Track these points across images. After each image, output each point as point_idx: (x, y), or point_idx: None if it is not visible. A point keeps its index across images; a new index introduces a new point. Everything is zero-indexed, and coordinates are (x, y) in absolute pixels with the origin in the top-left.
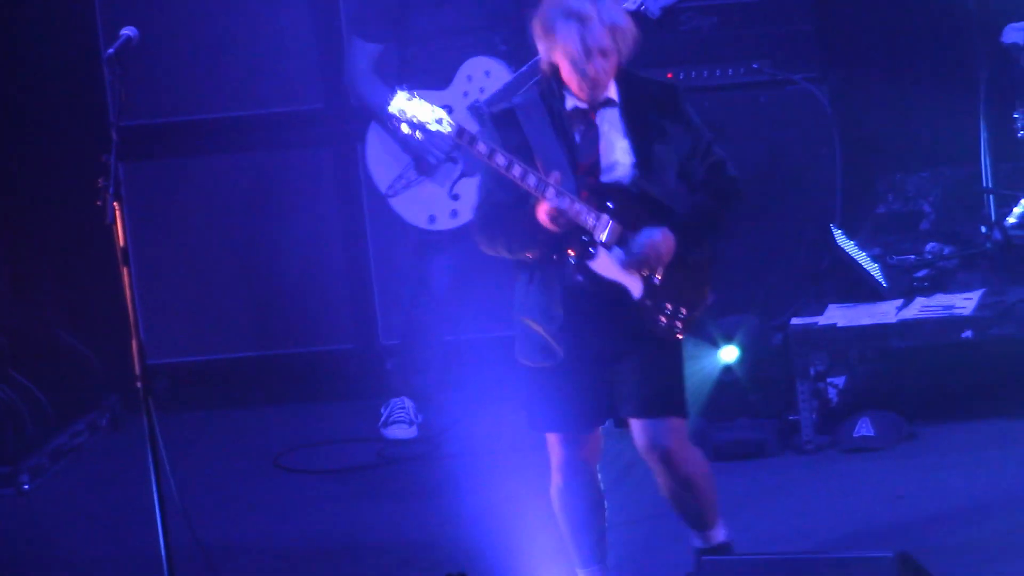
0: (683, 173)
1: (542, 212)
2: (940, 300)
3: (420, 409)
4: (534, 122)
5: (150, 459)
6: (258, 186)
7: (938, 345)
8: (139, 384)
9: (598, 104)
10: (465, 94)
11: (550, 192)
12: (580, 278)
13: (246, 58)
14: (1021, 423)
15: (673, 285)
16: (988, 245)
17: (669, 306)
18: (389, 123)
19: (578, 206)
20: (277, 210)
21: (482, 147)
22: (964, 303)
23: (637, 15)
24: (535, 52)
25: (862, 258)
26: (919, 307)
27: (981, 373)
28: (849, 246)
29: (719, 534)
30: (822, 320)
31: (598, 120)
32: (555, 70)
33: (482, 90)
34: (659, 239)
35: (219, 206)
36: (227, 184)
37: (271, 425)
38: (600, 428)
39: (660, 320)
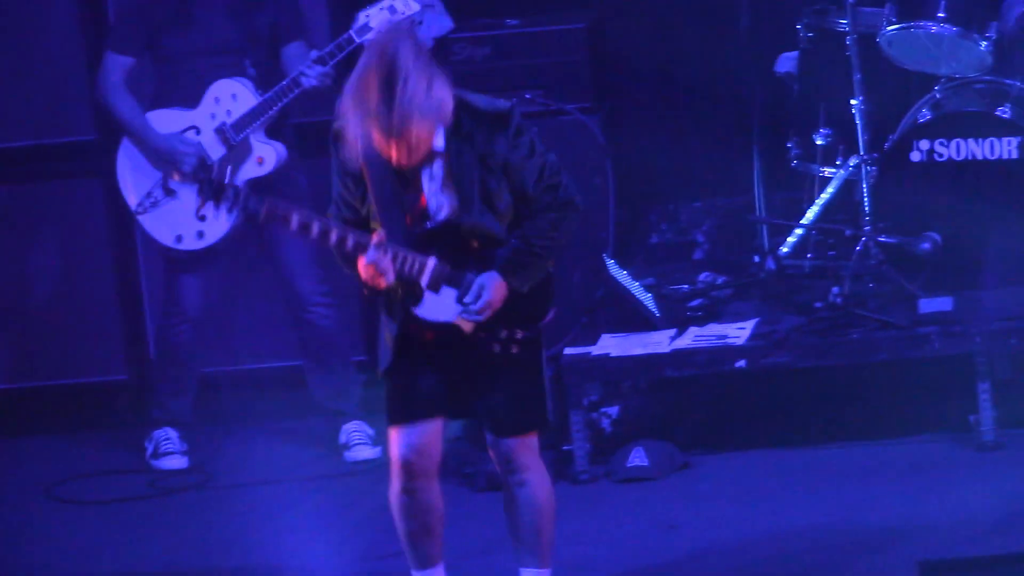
0: (518, 196)
1: (362, 270)
2: (713, 330)
3: (184, 438)
4: (365, 148)
5: None
6: (27, 217)
7: (712, 375)
8: None
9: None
10: (212, 116)
11: (369, 252)
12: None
13: (15, 88)
14: (795, 452)
15: (507, 312)
16: (762, 275)
17: (504, 332)
18: (144, 138)
19: (401, 256)
20: (48, 242)
21: (295, 221)
22: (738, 333)
23: None
24: (281, 77)
25: (635, 288)
26: (692, 337)
27: (755, 402)
28: (622, 276)
29: None
30: (595, 350)
31: (422, 168)
32: None
33: (229, 112)
34: (491, 292)
35: None
36: None
37: (44, 456)
38: (438, 434)
39: (494, 347)
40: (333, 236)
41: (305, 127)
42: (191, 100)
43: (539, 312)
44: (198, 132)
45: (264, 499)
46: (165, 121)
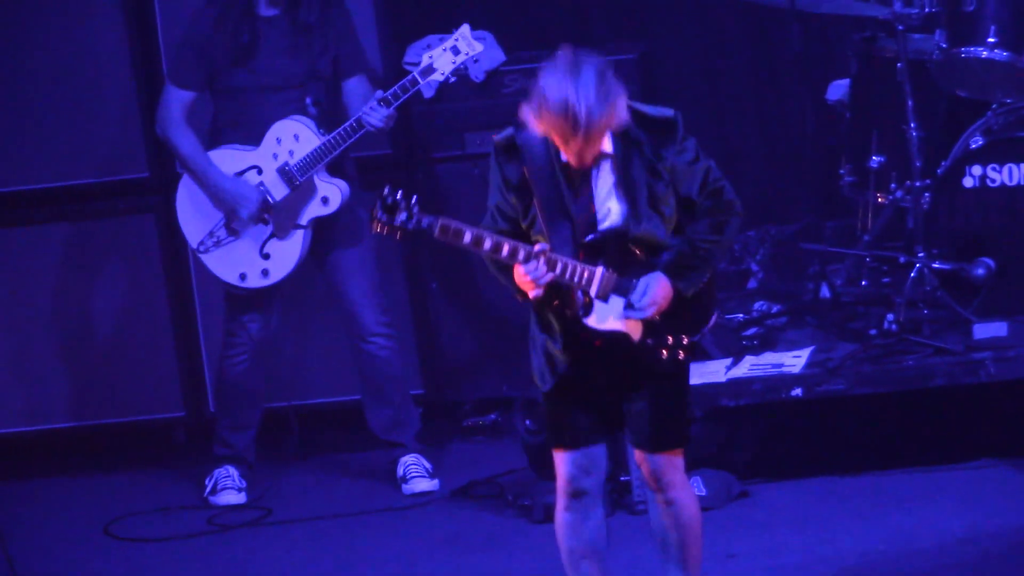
0: (682, 202)
1: (519, 277)
2: (769, 358)
3: (244, 475)
4: (535, 160)
5: None
6: (83, 255)
7: (768, 403)
8: None
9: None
10: (275, 156)
11: (540, 265)
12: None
13: (70, 127)
14: (852, 479)
15: (673, 317)
16: (816, 303)
17: (670, 338)
18: (206, 177)
19: (571, 267)
20: (104, 279)
21: (468, 237)
22: (793, 361)
23: (462, 78)
24: (345, 117)
25: None
26: (748, 366)
27: (811, 430)
28: None
29: None
30: None
31: (592, 172)
32: None
33: (291, 153)
34: (656, 290)
35: (44, 276)
36: (52, 254)
37: (102, 493)
38: (603, 453)
39: (661, 354)
40: (505, 249)
41: (364, 160)
42: (250, 136)
43: (703, 316)
44: (260, 172)
45: (322, 534)
46: (226, 160)
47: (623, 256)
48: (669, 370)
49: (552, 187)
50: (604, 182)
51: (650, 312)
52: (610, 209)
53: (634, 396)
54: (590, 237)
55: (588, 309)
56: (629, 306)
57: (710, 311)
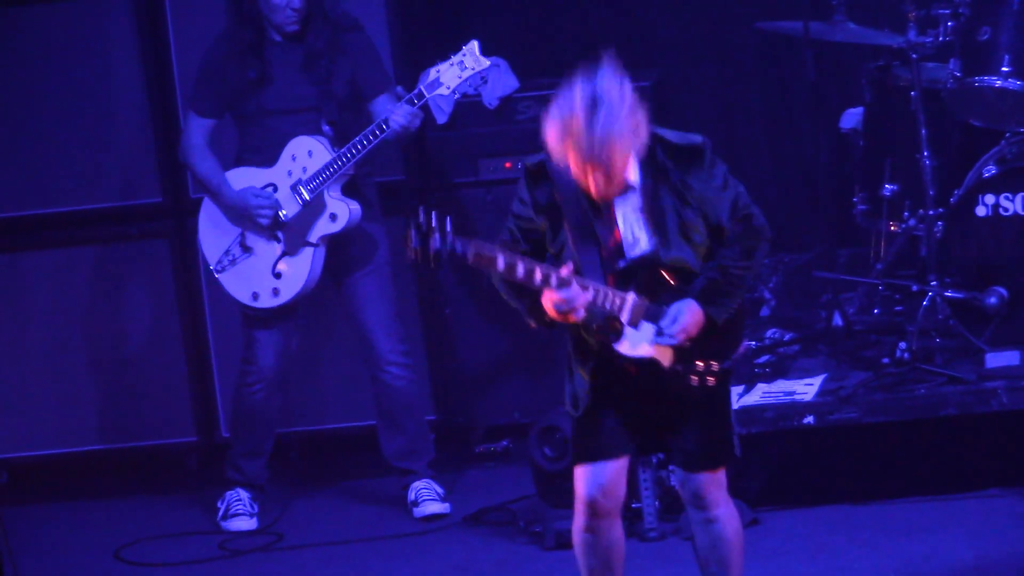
0: (712, 228)
1: (547, 302)
2: (781, 386)
3: (255, 499)
4: (565, 186)
5: None
6: (96, 280)
7: (780, 431)
8: None
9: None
10: (289, 173)
11: (572, 289)
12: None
13: (84, 152)
14: (863, 508)
15: (703, 344)
16: (829, 331)
17: (700, 364)
18: (220, 195)
19: (602, 292)
20: (117, 304)
21: (501, 263)
22: (805, 389)
23: (474, 105)
24: (357, 132)
25: None
26: (760, 393)
27: (823, 458)
28: None
29: None
30: None
31: (616, 200)
32: None
33: (304, 169)
34: (686, 316)
35: (58, 300)
36: (65, 278)
37: (113, 518)
38: (623, 472)
39: (691, 380)
40: (537, 275)
41: (378, 186)
42: (268, 159)
43: (733, 343)
44: (275, 189)
45: (334, 559)
46: (244, 179)
47: (654, 282)
48: (702, 395)
49: (580, 213)
50: (631, 210)
51: (680, 339)
52: (638, 237)
53: (676, 419)
54: (621, 264)
55: (619, 335)
56: (659, 333)
57: (740, 338)
